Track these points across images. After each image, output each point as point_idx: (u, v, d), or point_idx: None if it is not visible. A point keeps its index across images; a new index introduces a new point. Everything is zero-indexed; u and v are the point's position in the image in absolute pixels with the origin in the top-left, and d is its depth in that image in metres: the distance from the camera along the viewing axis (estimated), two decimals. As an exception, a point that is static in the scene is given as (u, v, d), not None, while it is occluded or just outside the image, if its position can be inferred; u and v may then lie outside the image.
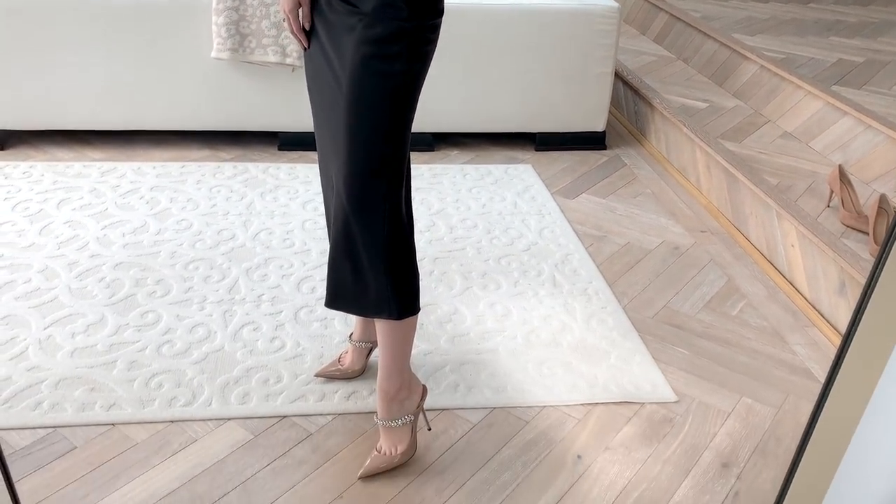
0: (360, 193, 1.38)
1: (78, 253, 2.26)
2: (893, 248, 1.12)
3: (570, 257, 2.41)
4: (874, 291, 1.20)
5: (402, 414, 1.57)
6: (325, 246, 2.27)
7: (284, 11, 1.41)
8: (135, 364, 1.83)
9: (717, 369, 1.95)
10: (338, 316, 2.03)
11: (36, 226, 2.38)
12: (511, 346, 1.99)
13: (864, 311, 1.20)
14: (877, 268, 1.19)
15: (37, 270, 2.16)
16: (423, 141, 3.06)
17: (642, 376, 1.91)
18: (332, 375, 1.81)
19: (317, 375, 1.81)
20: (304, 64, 1.52)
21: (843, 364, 1.24)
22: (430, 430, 1.67)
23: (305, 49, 1.47)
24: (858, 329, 1.22)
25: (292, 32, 1.45)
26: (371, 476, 1.57)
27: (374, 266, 1.43)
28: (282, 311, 2.06)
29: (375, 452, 1.59)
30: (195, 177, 2.76)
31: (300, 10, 1.41)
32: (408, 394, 1.57)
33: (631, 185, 2.93)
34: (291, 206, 2.60)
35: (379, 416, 1.58)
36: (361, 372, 1.82)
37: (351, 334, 1.81)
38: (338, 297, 1.54)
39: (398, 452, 1.57)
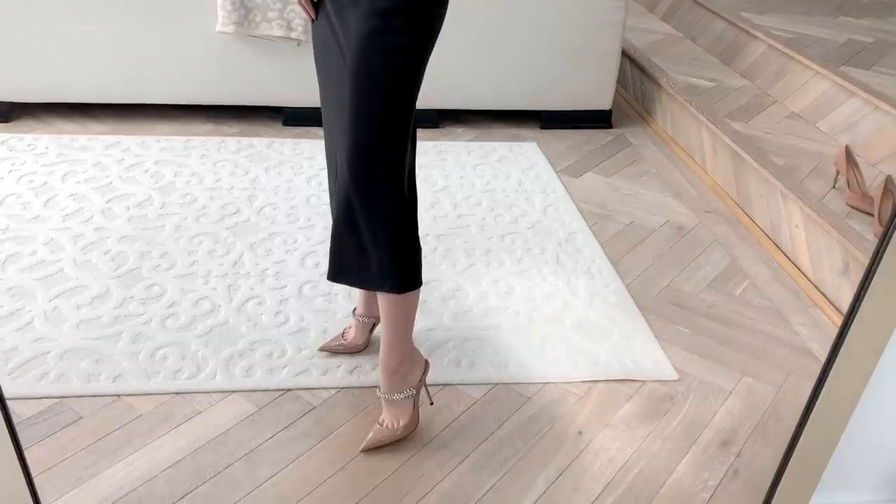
0: (364, 167, 1.38)
1: (83, 226, 2.26)
2: (897, 230, 1.12)
3: (574, 236, 2.41)
4: (876, 273, 1.20)
5: (403, 387, 1.58)
6: (329, 221, 2.26)
7: None
8: (140, 336, 1.85)
9: (718, 348, 1.96)
10: (342, 291, 2.04)
11: (41, 198, 2.38)
12: (514, 323, 1.99)
13: (865, 292, 1.21)
14: (880, 249, 1.19)
15: (42, 243, 2.17)
16: (428, 117, 3.04)
17: (644, 354, 1.92)
18: (335, 350, 1.82)
19: (320, 350, 1.82)
20: (310, 38, 1.52)
21: (844, 344, 1.25)
22: (431, 404, 1.69)
23: (312, 20, 1.46)
24: (860, 310, 1.22)
25: (300, 3, 1.44)
26: (373, 449, 1.58)
27: (377, 239, 1.43)
28: (286, 286, 2.07)
29: (378, 426, 1.60)
30: (199, 151, 2.75)
31: None
32: (410, 367, 1.58)
33: (636, 165, 2.92)
34: (296, 182, 2.60)
35: (381, 390, 1.59)
36: (365, 346, 1.83)
37: (354, 309, 1.82)
38: (341, 271, 1.54)
39: (400, 426, 1.59)
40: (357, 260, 1.49)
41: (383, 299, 1.52)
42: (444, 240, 2.34)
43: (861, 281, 1.22)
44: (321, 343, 1.85)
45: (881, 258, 1.18)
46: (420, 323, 1.93)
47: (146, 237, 2.24)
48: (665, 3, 4.16)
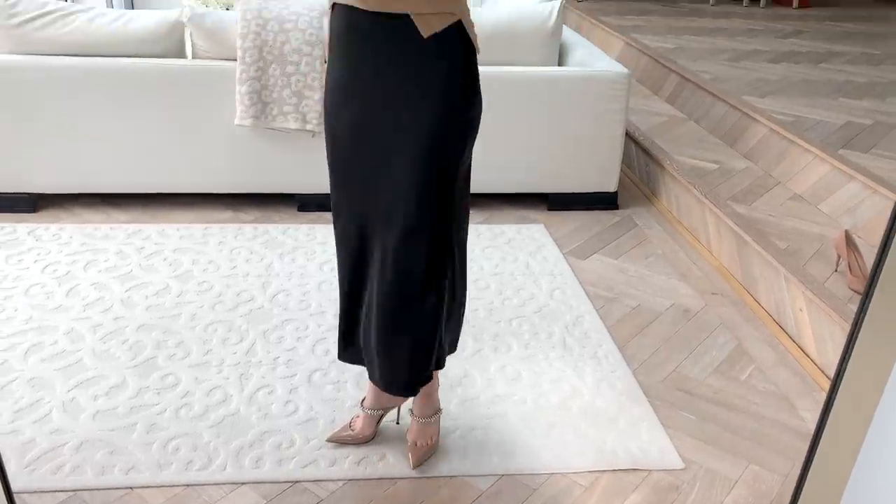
0: (429, 266, 1.54)
1: (102, 315, 2.34)
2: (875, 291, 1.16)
3: (581, 319, 2.45)
4: (855, 347, 1.23)
5: (433, 410, 1.83)
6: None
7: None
8: (154, 427, 1.89)
9: (724, 435, 1.97)
10: (350, 379, 2.09)
11: (63, 287, 2.47)
12: (521, 410, 2.02)
13: (847, 363, 1.23)
14: (859, 316, 1.22)
15: (63, 332, 2.24)
16: (438, 202, 3.13)
17: (650, 442, 1.93)
18: (343, 441, 1.85)
19: (329, 440, 1.86)
20: (328, 124, 1.61)
21: (827, 428, 1.26)
22: (398, 423, 1.92)
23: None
24: (843, 380, 1.25)
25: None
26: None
27: (417, 343, 1.63)
28: (296, 374, 2.12)
29: (415, 446, 1.81)
30: (217, 238, 2.85)
31: None
32: (436, 391, 1.84)
33: (643, 246, 2.98)
34: (309, 268, 2.68)
35: (419, 415, 1.82)
36: (372, 437, 1.86)
37: (363, 400, 1.86)
38: (391, 380, 1.71)
39: (434, 441, 1.84)
40: (385, 357, 1.66)
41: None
42: (452, 325, 2.38)
43: (842, 354, 1.25)
44: (329, 433, 1.88)
45: (860, 326, 1.21)
46: (427, 411, 1.96)
47: (163, 326, 2.31)
48: (669, 86, 4.28)
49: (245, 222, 3.00)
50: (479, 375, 2.16)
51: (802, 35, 5.41)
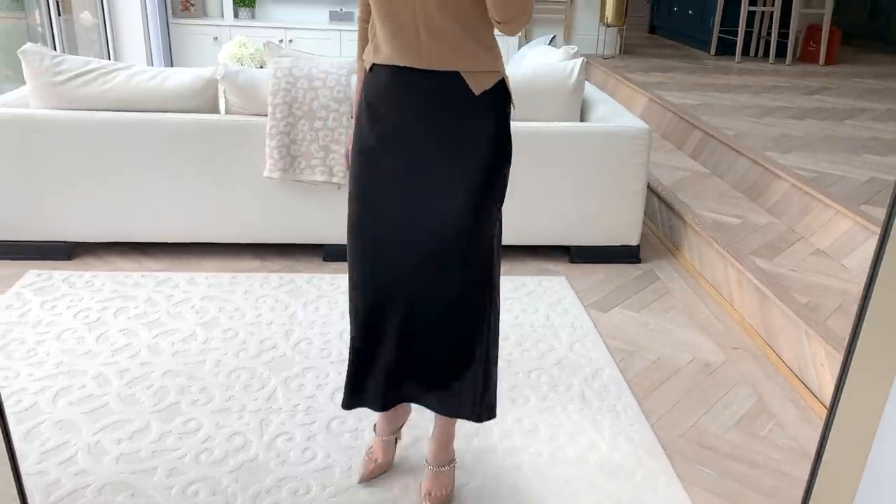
0: (480, 304, 1.67)
1: (130, 360, 2.40)
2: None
3: (601, 372, 2.45)
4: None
5: (448, 459, 1.87)
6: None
7: (343, 158, 1.67)
8: (174, 471, 1.93)
9: (742, 491, 1.94)
10: (367, 427, 2.10)
11: (93, 333, 2.54)
12: (537, 463, 2.02)
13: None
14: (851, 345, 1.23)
15: (91, 377, 2.30)
16: (461, 254, 3.17)
17: (667, 497, 1.91)
18: (374, 473, 1.92)
19: (361, 482, 1.90)
20: (357, 175, 1.68)
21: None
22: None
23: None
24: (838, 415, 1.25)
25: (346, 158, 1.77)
26: None
27: (484, 374, 1.76)
28: (315, 422, 2.14)
29: (429, 495, 1.83)
30: (244, 287, 2.92)
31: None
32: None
33: (664, 300, 2.98)
34: (331, 317, 2.72)
35: (433, 464, 1.85)
36: (392, 462, 1.94)
37: (374, 426, 1.95)
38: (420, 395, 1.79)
39: (448, 492, 1.85)
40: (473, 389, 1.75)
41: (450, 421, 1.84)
42: (471, 376, 2.40)
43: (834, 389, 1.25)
44: (345, 481, 1.90)
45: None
46: (443, 461, 1.98)
47: (188, 372, 2.36)
48: (692, 141, 4.32)
49: (271, 271, 3.07)
50: (495, 427, 2.16)
51: (828, 92, 5.44)
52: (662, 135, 4.63)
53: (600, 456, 2.05)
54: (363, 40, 1.74)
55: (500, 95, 1.60)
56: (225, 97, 3.00)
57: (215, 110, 3.03)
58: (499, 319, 1.82)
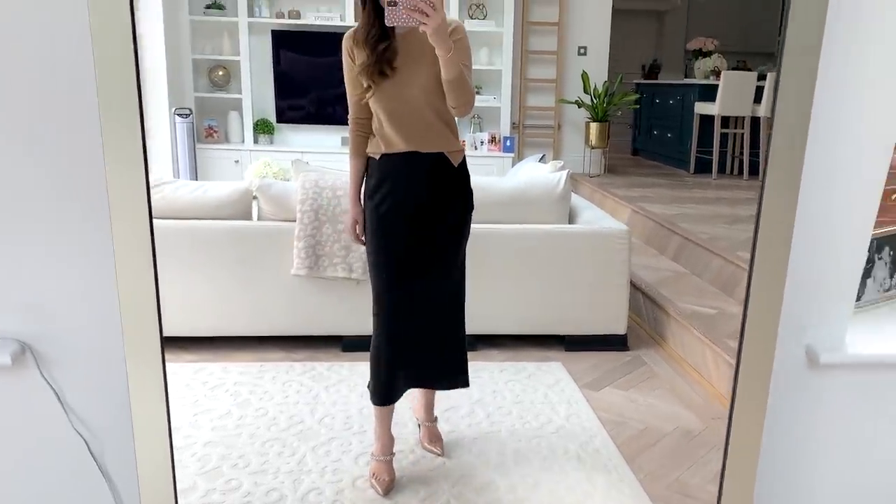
0: (461, 297, 2.47)
1: (174, 433, 2.69)
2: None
3: (594, 439, 2.75)
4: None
5: (434, 416, 2.70)
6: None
7: (348, 230, 2.41)
8: (220, 520, 2.20)
9: (721, 531, 2.20)
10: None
11: (140, 411, 2.85)
12: (539, 510, 2.29)
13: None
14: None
15: (142, 446, 2.59)
16: (467, 343, 3.51)
17: (654, 536, 2.18)
18: (388, 488, 2.38)
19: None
20: (366, 277, 2.27)
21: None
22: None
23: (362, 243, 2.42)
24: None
25: (356, 240, 2.39)
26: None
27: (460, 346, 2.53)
28: (342, 480, 2.42)
29: (432, 442, 2.62)
30: (271, 374, 3.24)
31: (357, 227, 2.41)
32: None
33: (650, 381, 3.30)
34: (351, 397, 3.03)
35: (428, 420, 2.66)
36: (395, 478, 2.44)
37: (372, 452, 2.48)
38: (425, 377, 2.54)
39: (440, 438, 2.66)
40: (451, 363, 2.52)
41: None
42: (478, 442, 2.70)
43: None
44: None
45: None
46: (457, 508, 2.25)
47: (227, 443, 2.65)
48: (673, 246, 4.76)
49: (295, 360, 3.39)
50: (501, 482, 2.44)
51: (796, 202, 5.92)
52: (646, 241, 5.07)
53: (595, 504, 2.33)
54: (358, 137, 2.36)
55: (466, 166, 2.35)
56: (258, 206, 3.43)
57: (248, 217, 3.46)
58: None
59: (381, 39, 2.14)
